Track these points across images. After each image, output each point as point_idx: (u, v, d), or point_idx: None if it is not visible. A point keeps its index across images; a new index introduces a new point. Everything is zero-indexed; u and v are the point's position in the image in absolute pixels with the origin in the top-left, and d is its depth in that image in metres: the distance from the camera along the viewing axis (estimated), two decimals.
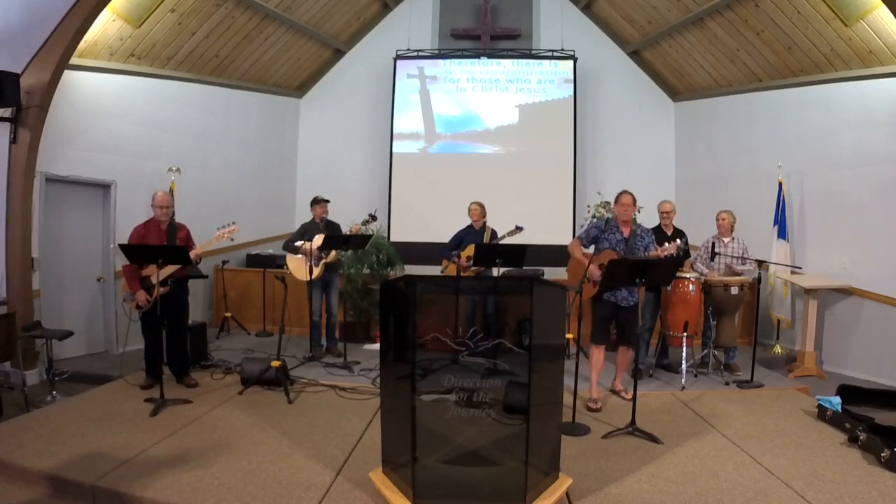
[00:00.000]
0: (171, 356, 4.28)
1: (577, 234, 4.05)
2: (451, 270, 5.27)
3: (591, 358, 4.04)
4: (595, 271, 3.92)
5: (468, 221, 5.45)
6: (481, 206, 5.40)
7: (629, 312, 3.98)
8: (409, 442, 2.27)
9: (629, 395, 4.11)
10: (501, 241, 5.11)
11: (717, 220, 5.02)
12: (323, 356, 5.12)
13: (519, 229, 4.98)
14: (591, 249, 4.18)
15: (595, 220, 4.13)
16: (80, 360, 5.14)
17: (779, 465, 2.90)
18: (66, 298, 5.21)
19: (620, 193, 4.08)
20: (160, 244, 4.04)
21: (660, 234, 4.89)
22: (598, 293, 3.96)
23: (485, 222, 5.41)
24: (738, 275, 4.82)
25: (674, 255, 3.85)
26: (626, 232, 4.04)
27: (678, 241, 3.96)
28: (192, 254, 3.93)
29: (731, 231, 4.99)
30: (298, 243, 5.05)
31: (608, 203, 6.63)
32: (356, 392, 4.14)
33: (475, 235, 5.31)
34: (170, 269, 3.97)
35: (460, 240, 5.36)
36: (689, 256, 5.02)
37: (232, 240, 4.36)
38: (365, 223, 5.35)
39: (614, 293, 3.96)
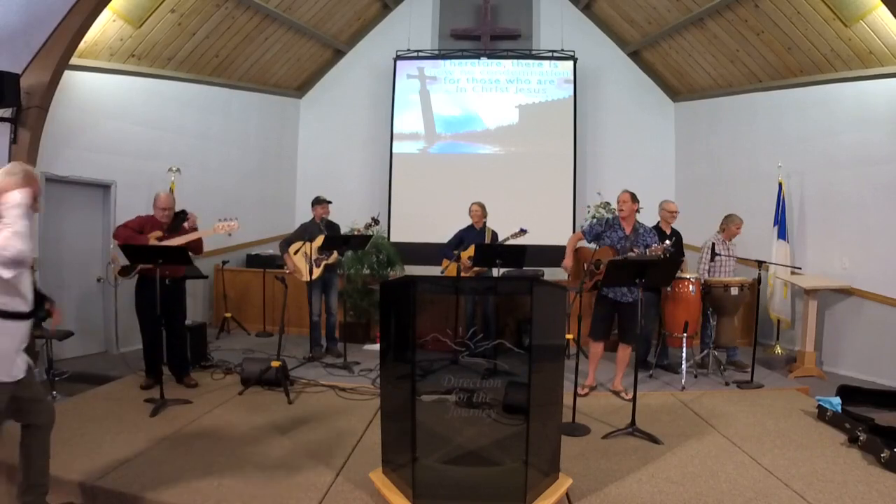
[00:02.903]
0: (170, 356, 4.27)
1: (581, 227, 4.21)
2: (452, 271, 5.27)
3: (590, 351, 4.26)
4: (568, 262, 4.17)
5: (468, 222, 5.46)
6: (482, 206, 5.41)
7: (629, 309, 4.03)
8: (409, 442, 2.27)
9: (629, 396, 4.12)
10: (506, 244, 5.12)
11: (732, 225, 5.04)
12: (323, 356, 5.12)
13: (523, 232, 4.98)
14: (593, 245, 4.31)
15: (595, 219, 4.25)
16: (80, 360, 5.13)
17: (779, 466, 2.90)
18: (66, 298, 5.21)
19: (621, 192, 4.20)
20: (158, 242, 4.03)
21: (658, 233, 4.91)
22: (598, 290, 4.05)
23: (485, 223, 5.41)
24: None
25: (659, 255, 3.93)
26: (627, 230, 4.12)
27: (667, 242, 4.04)
28: (186, 224, 3.96)
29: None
30: (294, 247, 5.10)
31: (608, 203, 6.63)
32: (356, 392, 4.14)
33: (476, 236, 5.31)
34: (177, 240, 3.94)
35: (460, 239, 5.36)
36: (683, 256, 5.03)
37: (230, 235, 4.31)
38: (367, 226, 5.39)
39: (613, 289, 4.03)
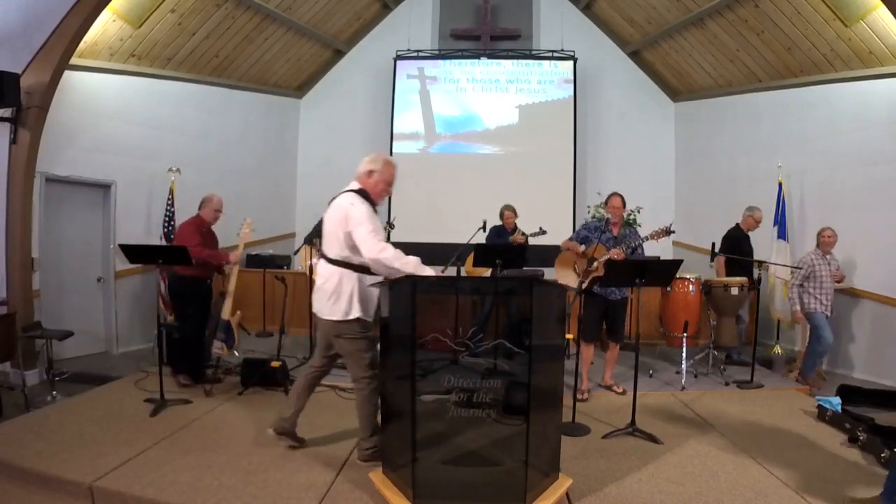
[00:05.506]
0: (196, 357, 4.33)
1: (570, 237, 4.46)
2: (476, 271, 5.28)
3: (581, 354, 4.04)
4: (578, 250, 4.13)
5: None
6: (514, 209, 5.56)
7: (618, 306, 4.13)
8: (410, 442, 2.27)
9: (620, 389, 4.16)
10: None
11: (822, 237, 4.75)
12: None
13: (543, 232, 5.13)
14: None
15: (591, 220, 4.32)
16: (80, 360, 5.13)
17: (779, 466, 2.90)
18: (66, 298, 5.21)
19: (610, 196, 4.25)
20: (216, 247, 4.31)
21: (743, 240, 5.13)
22: (588, 288, 4.04)
23: (516, 224, 5.52)
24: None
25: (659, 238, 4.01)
26: (615, 232, 4.18)
27: (668, 224, 4.07)
28: (232, 259, 4.17)
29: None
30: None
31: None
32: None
33: (508, 236, 5.43)
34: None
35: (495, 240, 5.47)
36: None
37: (254, 230, 4.48)
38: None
39: (603, 287, 4.05)
